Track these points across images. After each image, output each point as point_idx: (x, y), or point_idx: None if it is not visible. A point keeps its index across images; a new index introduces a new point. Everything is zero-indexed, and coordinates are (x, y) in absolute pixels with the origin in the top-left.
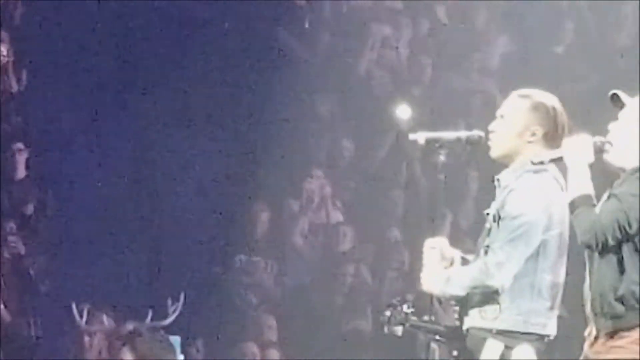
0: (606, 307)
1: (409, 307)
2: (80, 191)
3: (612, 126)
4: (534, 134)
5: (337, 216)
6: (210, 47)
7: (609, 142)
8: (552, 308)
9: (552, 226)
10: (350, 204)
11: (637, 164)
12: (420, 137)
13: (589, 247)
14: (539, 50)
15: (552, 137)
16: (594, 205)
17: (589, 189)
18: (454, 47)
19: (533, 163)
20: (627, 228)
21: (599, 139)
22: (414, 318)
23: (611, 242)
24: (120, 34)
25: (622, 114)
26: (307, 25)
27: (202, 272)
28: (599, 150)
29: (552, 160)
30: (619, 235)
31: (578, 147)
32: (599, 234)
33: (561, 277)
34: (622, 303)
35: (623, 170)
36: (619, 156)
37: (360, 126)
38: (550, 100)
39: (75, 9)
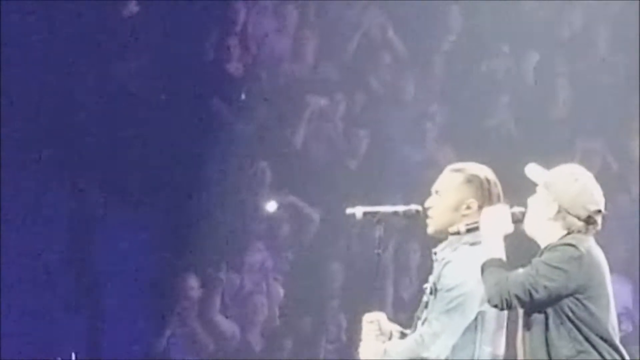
0: None
1: None
2: (15, 260)
3: (530, 199)
4: (469, 207)
5: (277, 289)
6: (146, 118)
7: (522, 211)
8: None
9: None
10: (289, 276)
11: (549, 241)
12: (358, 211)
13: (495, 306)
14: (474, 122)
15: None
16: (503, 267)
17: (500, 253)
18: (390, 119)
19: (450, 233)
20: (534, 292)
21: (517, 209)
22: None
23: (518, 306)
24: (60, 108)
25: (538, 188)
26: (243, 97)
27: (141, 344)
28: (518, 221)
29: (469, 230)
30: (524, 298)
31: (494, 217)
32: (504, 292)
33: (501, 349)
34: None
35: (535, 238)
36: (531, 229)
37: (297, 199)
38: (483, 172)
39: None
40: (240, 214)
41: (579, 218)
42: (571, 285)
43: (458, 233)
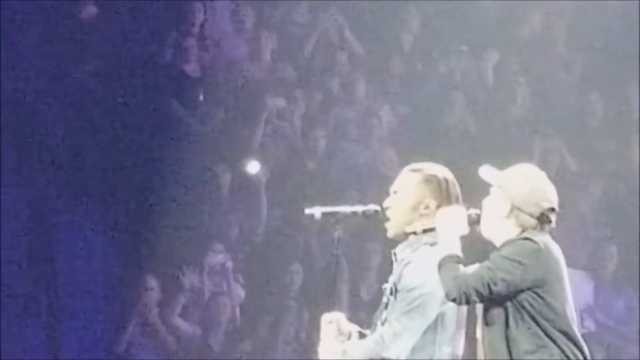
0: None
1: None
2: None
3: (484, 201)
4: (427, 207)
5: (238, 290)
6: (104, 119)
7: (478, 213)
8: None
9: None
10: (249, 277)
11: (504, 240)
12: (317, 211)
13: (453, 300)
14: (432, 122)
15: None
16: (461, 263)
17: (456, 250)
18: (348, 120)
19: (406, 233)
20: (492, 286)
21: (473, 211)
22: None
23: (476, 300)
24: (18, 109)
25: (492, 189)
26: (201, 98)
27: (101, 345)
28: (474, 222)
29: (425, 231)
30: (483, 291)
31: (451, 217)
32: (462, 285)
33: (460, 349)
34: None
35: (491, 239)
36: (487, 229)
37: (256, 200)
38: (442, 172)
39: None
40: (198, 216)
41: (532, 216)
42: (529, 278)
43: (415, 233)
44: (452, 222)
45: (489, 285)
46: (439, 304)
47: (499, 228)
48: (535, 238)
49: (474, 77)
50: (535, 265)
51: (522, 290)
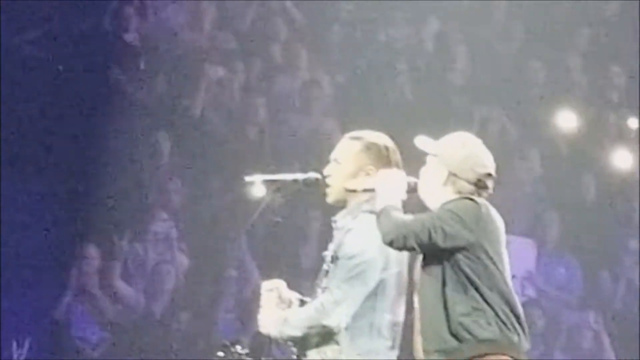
0: (440, 343)
1: (243, 348)
2: None
3: (422, 170)
4: (368, 174)
5: (181, 258)
6: (43, 88)
7: (416, 181)
8: (392, 347)
9: (389, 265)
10: (193, 246)
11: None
12: (257, 179)
13: (390, 243)
14: (373, 91)
15: None
16: (401, 212)
17: (396, 202)
18: (288, 88)
19: (346, 190)
20: (432, 233)
21: (411, 179)
22: (249, 359)
23: (414, 245)
24: None
25: (428, 158)
26: (142, 67)
27: (41, 313)
28: (412, 190)
29: (365, 190)
30: (422, 237)
31: (390, 180)
32: (402, 229)
33: (400, 316)
34: (454, 337)
35: (429, 206)
36: (425, 196)
37: (197, 168)
38: (382, 139)
39: None
40: (140, 184)
41: (468, 181)
42: (467, 236)
43: (354, 191)
44: (392, 184)
45: (429, 231)
46: (379, 271)
47: (436, 195)
48: (478, 200)
49: (415, 46)
50: (475, 224)
51: (459, 249)
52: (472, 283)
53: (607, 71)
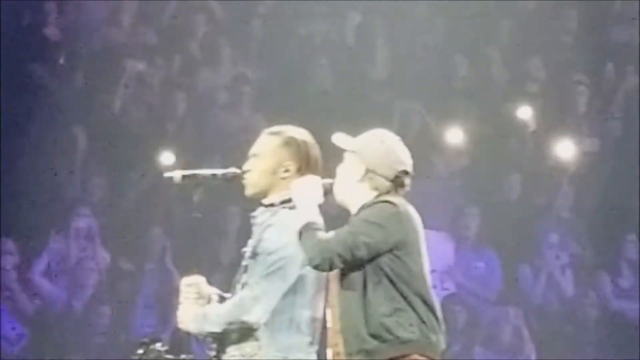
0: (361, 344)
1: (162, 346)
2: None
3: (338, 168)
4: (287, 170)
5: (103, 254)
6: None
7: (332, 182)
8: (312, 343)
9: None
10: (114, 241)
11: (360, 203)
12: (176, 174)
13: (315, 267)
14: (293, 85)
15: (306, 171)
16: (321, 230)
17: (316, 218)
18: (208, 83)
19: (264, 205)
20: (355, 250)
21: (327, 180)
22: (169, 356)
23: (340, 265)
24: None
25: (345, 155)
26: (61, 61)
27: None
28: (329, 192)
29: (283, 202)
30: (346, 256)
31: (306, 187)
32: (325, 252)
33: (320, 312)
34: (375, 337)
35: (346, 205)
36: (341, 194)
37: (116, 163)
38: (301, 135)
39: None
40: (60, 180)
41: (386, 178)
42: (390, 240)
43: (273, 205)
44: (308, 192)
45: (351, 249)
46: (298, 267)
47: (353, 192)
48: (394, 200)
49: (335, 40)
50: (396, 228)
51: (382, 253)
52: (393, 284)
53: (527, 64)
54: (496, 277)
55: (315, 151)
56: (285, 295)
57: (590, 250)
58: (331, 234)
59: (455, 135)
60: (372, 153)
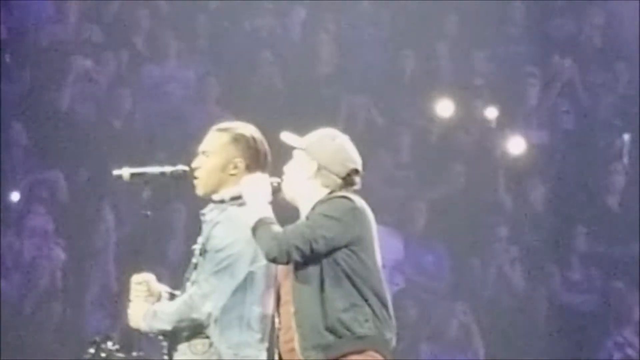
0: (318, 339)
1: (114, 344)
2: None
3: (286, 167)
4: (236, 167)
5: (58, 252)
6: None
7: (279, 181)
8: (262, 340)
9: (258, 258)
10: (68, 239)
11: (311, 201)
12: (125, 172)
13: (273, 260)
14: (239, 81)
15: (255, 167)
16: (276, 224)
17: (269, 213)
18: (154, 78)
19: (214, 201)
20: (314, 243)
21: (274, 179)
22: (120, 355)
23: (297, 258)
24: None
25: (295, 153)
26: (7, 59)
27: None
28: (277, 190)
29: (233, 199)
30: (304, 249)
31: (255, 184)
32: (283, 244)
33: (270, 308)
34: (332, 332)
35: (296, 203)
36: (291, 192)
37: (64, 160)
38: (249, 131)
39: None
40: (10, 178)
41: (338, 176)
42: (347, 236)
43: (223, 202)
44: (257, 189)
45: (310, 242)
46: (247, 264)
47: (304, 190)
48: (350, 196)
49: (281, 35)
50: (353, 223)
51: (339, 248)
52: (349, 279)
53: (472, 57)
54: (445, 272)
55: (264, 147)
56: (235, 292)
57: (539, 243)
58: (288, 227)
59: (402, 129)
60: (324, 150)
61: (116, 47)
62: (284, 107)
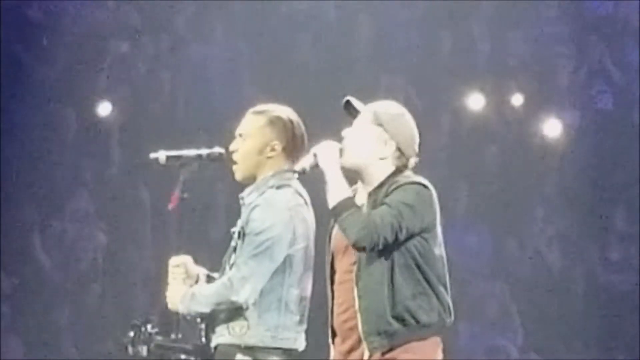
0: (384, 326)
1: (153, 327)
2: None
3: (346, 132)
4: (273, 149)
5: (99, 235)
6: None
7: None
8: (300, 322)
9: (296, 241)
10: (110, 223)
11: (378, 178)
12: (161, 155)
13: (361, 248)
14: (278, 62)
15: (292, 149)
16: (358, 208)
17: (348, 192)
18: (195, 61)
19: (295, 171)
20: (399, 233)
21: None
22: (159, 338)
23: (381, 246)
24: None
25: (356, 121)
26: (45, 42)
27: None
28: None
29: (312, 167)
30: (391, 240)
31: (329, 152)
32: (374, 234)
33: (308, 291)
34: (398, 320)
35: (358, 173)
36: (360, 164)
37: (105, 145)
38: (286, 113)
39: None
40: (52, 161)
41: (408, 159)
42: (423, 224)
43: (304, 171)
44: (332, 156)
45: (396, 233)
46: (286, 246)
47: (375, 168)
48: (425, 182)
49: (317, 16)
50: (428, 211)
51: (414, 236)
52: (419, 267)
53: (508, 39)
54: (486, 252)
55: (301, 129)
56: (274, 275)
57: (577, 223)
58: (374, 215)
59: (439, 111)
60: (402, 131)
61: (154, 30)
62: (323, 89)
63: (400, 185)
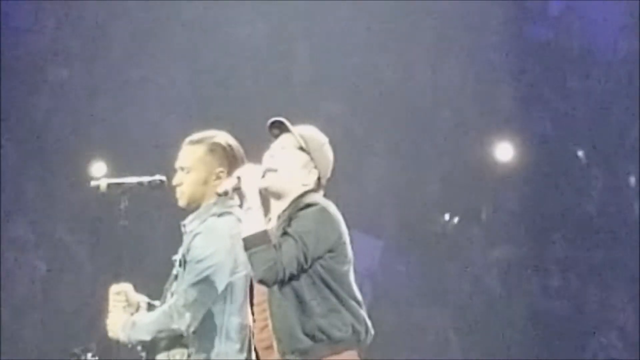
0: (295, 344)
1: (93, 356)
2: None
3: (271, 154)
4: (218, 177)
5: (38, 264)
6: None
7: (273, 169)
8: (241, 350)
9: (238, 268)
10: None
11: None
12: (102, 182)
13: (264, 283)
14: (215, 89)
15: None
16: (267, 243)
17: (262, 223)
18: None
19: (218, 194)
20: (303, 264)
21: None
22: None
23: (287, 279)
24: None
25: (280, 143)
26: None
27: None
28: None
29: (235, 189)
30: (297, 272)
31: (252, 176)
32: (280, 272)
33: (249, 318)
34: (310, 337)
35: (278, 195)
36: (280, 185)
37: (44, 171)
38: (224, 138)
39: None
40: None
41: (322, 183)
42: (326, 246)
43: (226, 193)
44: (254, 179)
45: (302, 265)
46: (227, 274)
47: (295, 193)
48: (323, 203)
49: (255, 43)
50: (332, 233)
51: (320, 257)
52: (327, 285)
53: (451, 66)
54: (420, 278)
55: (240, 152)
56: (215, 302)
57: (516, 250)
58: (282, 250)
59: (379, 137)
60: (325, 162)
61: (91, 57)
62: (258, 115)
63: (301, 209)
